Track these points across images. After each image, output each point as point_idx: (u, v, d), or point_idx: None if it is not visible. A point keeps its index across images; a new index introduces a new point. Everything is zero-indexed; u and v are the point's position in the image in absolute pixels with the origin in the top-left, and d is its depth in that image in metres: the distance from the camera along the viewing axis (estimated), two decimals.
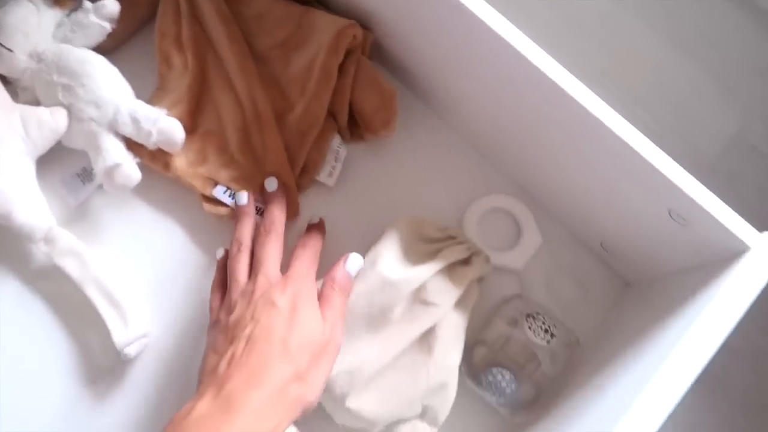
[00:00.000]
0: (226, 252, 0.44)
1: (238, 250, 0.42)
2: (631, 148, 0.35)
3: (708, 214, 0.35)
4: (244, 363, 0.34)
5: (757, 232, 0.35)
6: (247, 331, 0.35)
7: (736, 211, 0.35)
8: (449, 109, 0.51)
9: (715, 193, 0.35)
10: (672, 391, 0.33)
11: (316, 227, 0.46)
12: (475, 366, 0.45)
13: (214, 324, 0.39)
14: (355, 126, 0.51)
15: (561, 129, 0.40)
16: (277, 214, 0.43)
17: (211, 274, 0.47)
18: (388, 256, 0.43)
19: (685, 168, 0.35)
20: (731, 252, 0.36)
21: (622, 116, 0.35)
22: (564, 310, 0.49)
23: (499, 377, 0.44)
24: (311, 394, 0.35)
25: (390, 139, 0.51)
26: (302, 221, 0.49)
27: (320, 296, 0.39)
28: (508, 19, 0.37)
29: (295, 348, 0.35)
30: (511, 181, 0.52)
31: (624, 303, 0.49)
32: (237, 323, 0.37)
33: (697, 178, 0.34)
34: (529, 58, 0.37)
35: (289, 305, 0.37)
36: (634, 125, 0.35)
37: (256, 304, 0.37)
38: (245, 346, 0.35)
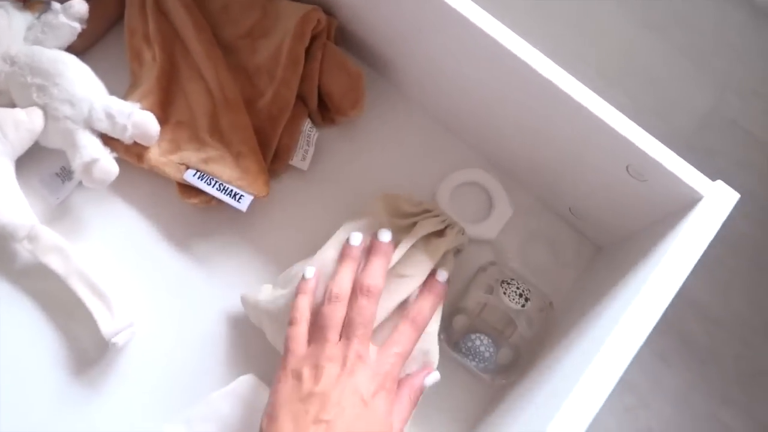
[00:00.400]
0: (316, 275, 0.42)
1: (338, 299, 0.40)
2: (582, 107, 0.37)
3: (662, 166, 0.37)
4: None
5: (709, 180, 0.36)
6: (329, 416, 0.35)
7: None
8: (416, 88, 0.53)
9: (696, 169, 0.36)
10: (635, 336, 0.34)
11: (431, 303, 0.42)
12: (455, 334, 0.47)
13: (295, 376, 0.37)
14: (325, 110, 0.52)
15: (519, 96, 0.42)
16: (381, 273, 0.41)
17: (191, 263, 0.49)
18: (364, 230, 0.44)
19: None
20: (687, 201, 0.37)
21: (599, 97, 0.36)
22: (538, 276, 0.50)
23: (478, 342, 0.45)
24: None
25: (360, 120, 0.52)
26: (279, 207, 0.50)
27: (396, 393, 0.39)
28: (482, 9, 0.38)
29: None
30: (480, 154, 0.53)
31: (595, 266, 0.50)
32: (322, 398, 0.36)
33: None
34: (485, 30, 0.38)
35: (372, 402, 0.36)
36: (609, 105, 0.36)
37: (344, 387, 0.36)
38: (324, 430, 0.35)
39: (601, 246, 0.52)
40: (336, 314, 0.39)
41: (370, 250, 0.42)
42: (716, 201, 0.36)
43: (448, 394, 0.47)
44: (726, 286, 0.84)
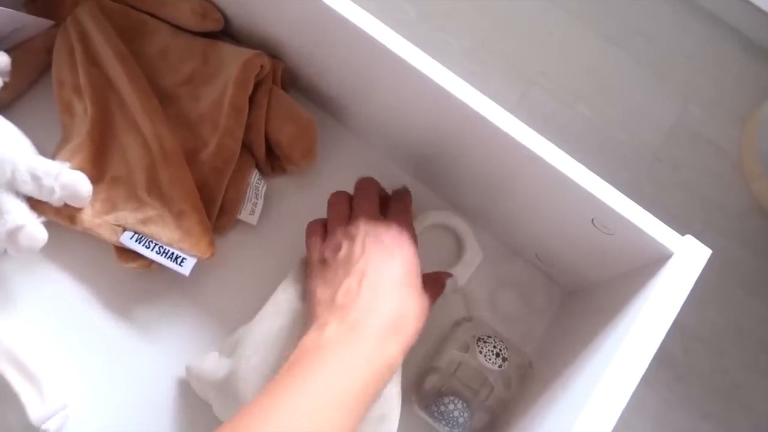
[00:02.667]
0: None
1: (339, 197, 0.43)
2: (543, 161, 0.34)
3: (628, 222, 0.34)
4: (362, 295, 0.36)
5: (678, 235, 0.34)
6: (360, 266, 0.37)
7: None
8: (371, 132, 0.50)
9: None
10: (620, 392, 0.32)
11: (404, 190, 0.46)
12: (426, 395, 0.44)
13: (321, 262, 0.40)
14: (275, 158, 0.49)
15: (477, 146, 0.39)
16: (372, 182, 0.44)
17: (132, 331, 0.45)
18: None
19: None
20: (658, 256, 0.35)
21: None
22: (508, 323, 0.48)
23: (452, 406, 0.42)
24: (419, 319, 0.37)
25: (313, 166, 0.49)
26: (226, 266, 0.47)
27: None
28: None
29: (404, 281, 0.38)
30: (442, 200, 0.50)
31: (566, 311, 0.48)
32: (348, 259, 0.38)
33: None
34: (431, 76, 0.35)
35: (393, 242, 0.39)
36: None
37: (364, 240, 0.38)
38: (360, 279, 0.37)
39: (570, 291, 0.49)
40: (343, 203, 0.43)
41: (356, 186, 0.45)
42: (687, 257, 0.34)
43: None
44: (699, 299, 0.83)
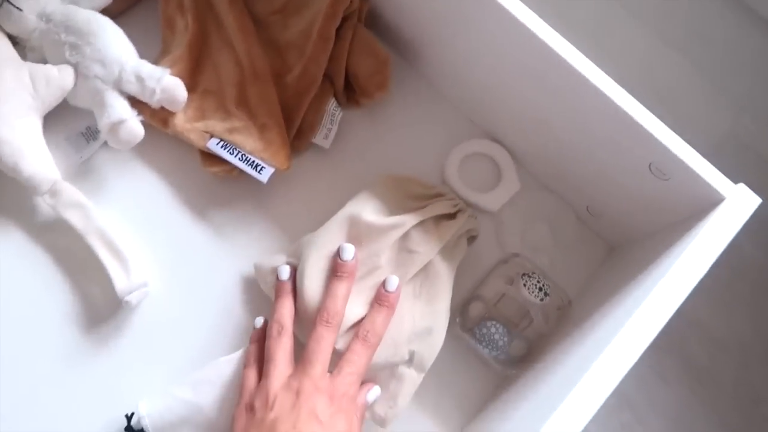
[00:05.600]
0: (264, 324, 0.44)
1: (279, 333, 0.40)
2: (610, 100, 0.37)
3: (686, 165, 0.37)
4: None
5: (731, 182, 0.36)
6: None
7: None
8: (442, 77, 0.53)
9: None
10: (644, 335, 0.34)
11: (381, 321, 0.42)
12: (470, 320, 0.47)
13: (249, 409, 0.38)
14: (350, 91, 0.52)
15: (546, 86, 0.42)
16: (343, 302, 0.41)
17: (207, 230, 0.49)
18: (373, 206, 0.44)
19: None
20: (708, 203, 0.37)
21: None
22: (552, 271, 0.50)
23: (493, 330, 0.46)
24: None
25: (383, 104, 0.52)
26: (298, 182, 0.51)
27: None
28: None
29: None
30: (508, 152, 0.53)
31: (609, 265, 0.50)
32: (275, 426, 0.36)
33: None
34: (519, 18, 0.38)
35: (330, 422, 0.36)
36: None
37: (299, 411, 0.36)
38: None
39: (614, 246, 0.52)
40: (283, 346, 0.40)
41: (334, 270, 0.42)
42: (738, 203, 0.36)
43: (455, 379, 0.47)
44: (730, 309, 0.84)
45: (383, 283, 0.42)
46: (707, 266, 0.35)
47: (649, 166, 0.39)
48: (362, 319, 0.42)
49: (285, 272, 0.44)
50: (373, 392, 0.42)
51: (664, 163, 0.38)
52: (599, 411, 0.32)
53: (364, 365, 0.40)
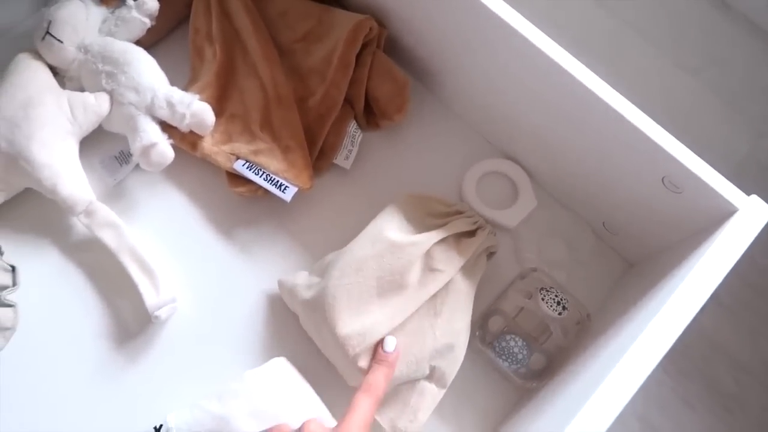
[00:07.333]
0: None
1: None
2: (622, 117, 0.38)
3: (698, 178, 0.38)
4: None
5: (744, 194, 0.37)
6: None
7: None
8: (458, 99, 0.55)
9: None
10: (658, 347, 0.34)
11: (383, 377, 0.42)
12: (490, 334, 0.48)
13: None
14: (370, 114, 0.54)
15: (559, 106, 0.43)
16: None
17: (233, 248, 0.51)
18: (395, 224, 0.46)
19: None
20: (721, 215, 0.38)
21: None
22: (567, 284, 0.51)
23: (513, 343, 0.46)
24: None
25: (402, 127, 0.54)
26: (320, 202, 0.52)
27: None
28: None
29: None
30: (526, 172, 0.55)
31: (626, 280, 0.51)
32: None
33: None
34: (536, 44, 0.40)
35: None
36: None
37: None
38: None
39: (633, 263, 0.52)
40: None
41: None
42: (751, 214, 0.37)
43: (476, 393, 0.47)
44: (755, 333, 0.83)
45: (381, 344, 0.43)
46: (722, 276, 0.35)
47: (663, 180, 0.40)
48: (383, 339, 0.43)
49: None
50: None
51: (677, 177, 0.39)
52: None
53: (369, 415, 0.40)
